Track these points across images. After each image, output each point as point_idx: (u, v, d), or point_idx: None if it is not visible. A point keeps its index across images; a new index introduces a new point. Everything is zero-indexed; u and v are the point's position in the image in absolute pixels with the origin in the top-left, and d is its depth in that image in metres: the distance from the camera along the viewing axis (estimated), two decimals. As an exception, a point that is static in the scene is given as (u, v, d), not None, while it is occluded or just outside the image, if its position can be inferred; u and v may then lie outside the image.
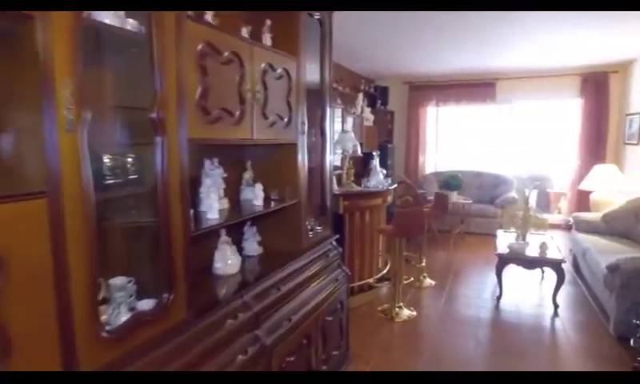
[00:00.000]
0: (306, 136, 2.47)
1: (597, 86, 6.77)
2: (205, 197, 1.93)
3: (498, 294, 4.10)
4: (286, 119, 2.23)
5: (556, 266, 3.80)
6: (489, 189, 7.25)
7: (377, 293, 4.22)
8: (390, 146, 7.75)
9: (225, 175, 2.15)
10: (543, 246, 3.96)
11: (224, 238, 2.06)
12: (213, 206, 1.84)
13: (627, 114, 6.37)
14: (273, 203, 2.29)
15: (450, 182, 6.22)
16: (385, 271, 4.47)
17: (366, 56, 6.27)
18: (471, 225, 6.74)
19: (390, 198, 4.41)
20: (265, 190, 2.28)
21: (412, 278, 4.51)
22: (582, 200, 6.88)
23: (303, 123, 2.42)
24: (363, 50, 5.89)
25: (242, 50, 1.83)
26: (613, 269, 3.33)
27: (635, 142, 5.96)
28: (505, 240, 4.42)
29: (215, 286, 1.93)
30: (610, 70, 6.64)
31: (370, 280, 4.18)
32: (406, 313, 3.76)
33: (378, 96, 7.79)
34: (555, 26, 4.64)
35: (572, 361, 3.10)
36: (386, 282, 4.35)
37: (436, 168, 8.07)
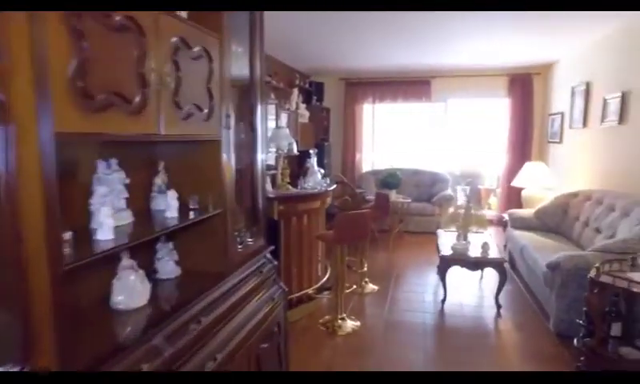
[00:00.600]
0: (232, 131, 2.06)
1: (522, 86, 7.02)
2: (96, 211, 1.46)
3: (442, 297, 3.96)
4: (206, 110, 1.80)
5: (498, 266, 3.73)
6: (426, 187, 7.25)
7: (317, 303, 3.90)
8: (326, 144, 7.49)
9: (127, 181, 1.69)
10: (485, 246, 3.88)
11: (126, 262, 1.60)
12: (105, 223, 1.39)
13: (549, 114, 6.65)
14: (192, 214, 1.87)
15: (389, 180, 6.08)
16: (325, 279, 4.16)
17: (301, 50, 5.95)
18: (410, 223, 6.67)
19: (329, 200, 4.11)
20: (181, 198, 1.84)
21: (354, 286, 4.25)
22: (512, 196, 7.12)
23: (229, 116, 2.01)
24: (298, 43, 5.55)
25: (143, 16, 1.39)
26: (553, 267, 3.29)
27: (557, 141, 6.21)
28: (446, 240, 4.31)
29: (112, 329, 1.48)
30: (534, 71, 6.91)
31: (310, 290, 3.85)
32: (350, 324, 3.47)
33: (313, 92, 7.50)
34: (485, 27, 4.68)
35: (518, 363, 3.00)
36: (327, 292, 4.05)
37: (373, 166, 7.96)
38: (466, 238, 4.11)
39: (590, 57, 5.17)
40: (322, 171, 4.24)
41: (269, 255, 2.52)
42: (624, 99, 4.28)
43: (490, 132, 7.92)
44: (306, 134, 6.98)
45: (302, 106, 6.93)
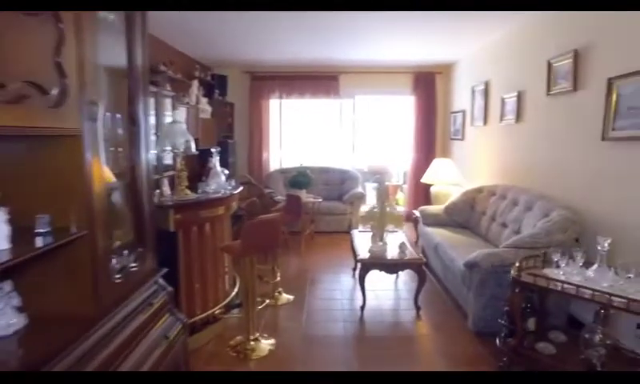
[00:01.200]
0: (101, 124, 1.54)
1: (426, 84, 7.19)
2: None
3: (360, 303, 3.74)
4: (54, 92, 1.27)
5: (417, 267, 3.61)
6: (336, 185, 7.10)
7: (226, 323, 3.42)
8: (230, 141, 6.95)
9: None
10: (402, 247, 3.74)
11: None
12: None
13: (452, 112, 6.90)
14: (39, 240, 1.32)
15: (299, 179, 5.77)
16: (234, 293, 3.70)
17: (201, 39, 5.35)
18: (321, 223, 6.45)
19: (235, 205, 3.64)
20: (21, 219, 1.29)
21: (267, 301, 3.84)
22: (420, 192, 7.28)
23: (94, 104, 1.48)
24: (197, 31, 4.96)
25: None
26: (471, 266, 3.24)
27: (460, 138, 6.46)
28: (362, 242, 4.12)
29: None
30: (436, 70, 7.12)
31: (217, 310, 3.36)
32: (264, 345, 3.06)
33: (216, 85, 6.90)
34: (389, 25, 4.63)
35: (444, 368, 2.87)
36: (237, 310, 3.59)
37: (281, 165, 7.60)
38: (382, 239, 3.95)
39: (489, 57, 5.39)
40: (227, 172, 3.77)
41: (161, 280, 2.02)
42: (520, 99, 4.48)
43: (397, 129, 8.05)
44: (208, 131, 6.38)
45: (204, 101, 6.31)
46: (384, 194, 4.19)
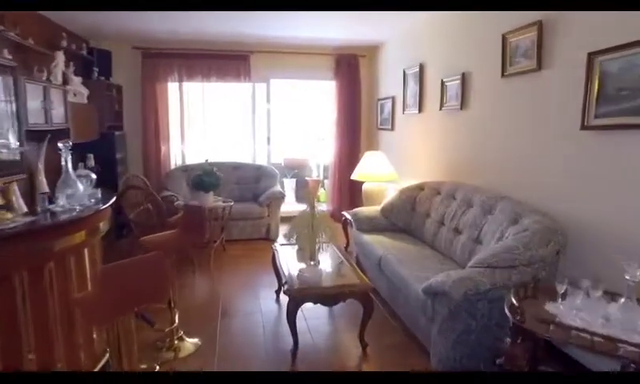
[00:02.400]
0: None
1: (349, 68, 6.43)
2: None
3: (290, 343, 2.83)
4: None
5: (364, 296, 2.78)
6: (250, 183, 6.07)
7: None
8: (118, 133, 5.58)
9: None
10: (341, 268, 2.90)
11: None
12: None
13: (378, 99, 6.24)
14: None
15: (204, 180, 4.65)
16: (106, 358, 2.55)
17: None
18: (234, 230, 5.39)
19: (104, 225, 2.47)
20: None
21: (158, 367, 2.73)
22: (343, 188, 6.56)
23: None
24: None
25: None
26: (435, 294, 2.50)
27: (389, 128, 5.82)
28: (288, 260, 3.21)
29: None
30: (360, 53, 6.40)
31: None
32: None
33: (95, 62, 5.44)
34: None
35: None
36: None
37: (184, 161, 6.35)
38: (313, 257, 3.05)
39: (423, 36, 4.76)
40: (92, 176, 2.59)
41: None
42: (464, 82, 3.88)
43: (317, 118, 7.25)
44: (86, 120, 4.97)
45: (76, 80, 4.88)
46: (312, 196, 3.25)
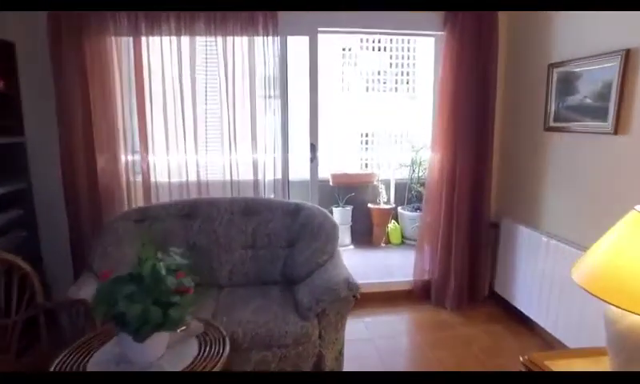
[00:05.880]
0: None
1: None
2: None
3: None
4: None
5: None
6: (275, 246, 2.90)
7: None
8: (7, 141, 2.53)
9: None
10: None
11: None
12: None
13: (559, 65, 2.93)
14: None
15: (132, 314, 1.49)
16: None
17: None
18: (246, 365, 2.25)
19: None
20: None
21: None
22: (445, 230, 3.35)
23: None
24: None
25: None
26: None
27: (605, 127, 2.53)
28: None
29: None
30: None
31: None
32: None
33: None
34: None
35: None
36: None
37: (148, 193, 3.26)
38: None
39: None
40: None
41: None
42: None
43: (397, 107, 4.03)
44: None
45: None
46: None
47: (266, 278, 2.81)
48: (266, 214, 2.91)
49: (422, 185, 5.28)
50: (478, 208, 3.46)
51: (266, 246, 2.86)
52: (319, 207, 2.94)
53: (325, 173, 5.30)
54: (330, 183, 5.28)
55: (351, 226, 5.28)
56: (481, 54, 3.24)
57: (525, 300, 3.12)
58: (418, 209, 5.34)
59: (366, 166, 7.24)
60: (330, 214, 2.88)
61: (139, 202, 3.22)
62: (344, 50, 10.06)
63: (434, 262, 3.58)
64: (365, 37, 9.76)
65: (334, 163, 5.78)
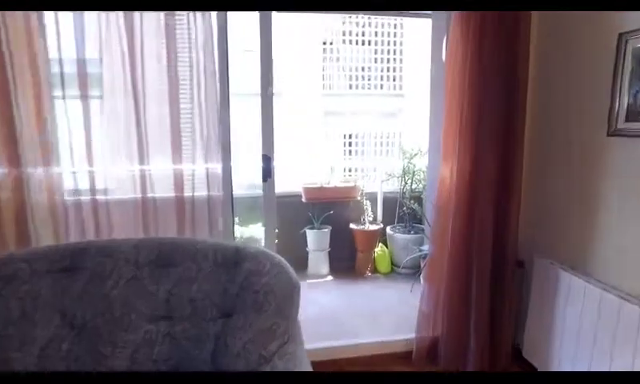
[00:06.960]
0: None
1: None
2: None
3: None
4: None
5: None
6: (204, 314, 1.87)
7: None
8: None
9: None
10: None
11: None
12: None
13: None
14: None
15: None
16: None
17: None
18: None
19: None
20: None
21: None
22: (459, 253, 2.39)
23: None
24: None
25: None
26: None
27: None
28: None
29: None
30: None
31: None
32: None
33: None
34: None
35: None
36: None
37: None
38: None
39: None
40: None
41: None
42: None
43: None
44: None
45: None
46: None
47: (188, 369, 1.79)
48: (188, 267, 1.88)
49: (417, 200, 4.32)
50: (501, 239, 2.51)
51: (187, 317, 1.84)
52: (272, 253, 1.93)
53: (296, 186, 4.30)
54: (303, 199, 4.28)
55: (329, 252, 4.28)
56: (503, 30, 2.28)
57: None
58: (411, 230, 4.37)
59: (350, 172, 6.28)
60: (287, 266, 1.87)
61: (8, 237, 2.16)
62: (324, 43, 9.09)
63: (443, 312, 2.62)
64: (348, 28, 8.83)
65: (309, 174, 4.78)
